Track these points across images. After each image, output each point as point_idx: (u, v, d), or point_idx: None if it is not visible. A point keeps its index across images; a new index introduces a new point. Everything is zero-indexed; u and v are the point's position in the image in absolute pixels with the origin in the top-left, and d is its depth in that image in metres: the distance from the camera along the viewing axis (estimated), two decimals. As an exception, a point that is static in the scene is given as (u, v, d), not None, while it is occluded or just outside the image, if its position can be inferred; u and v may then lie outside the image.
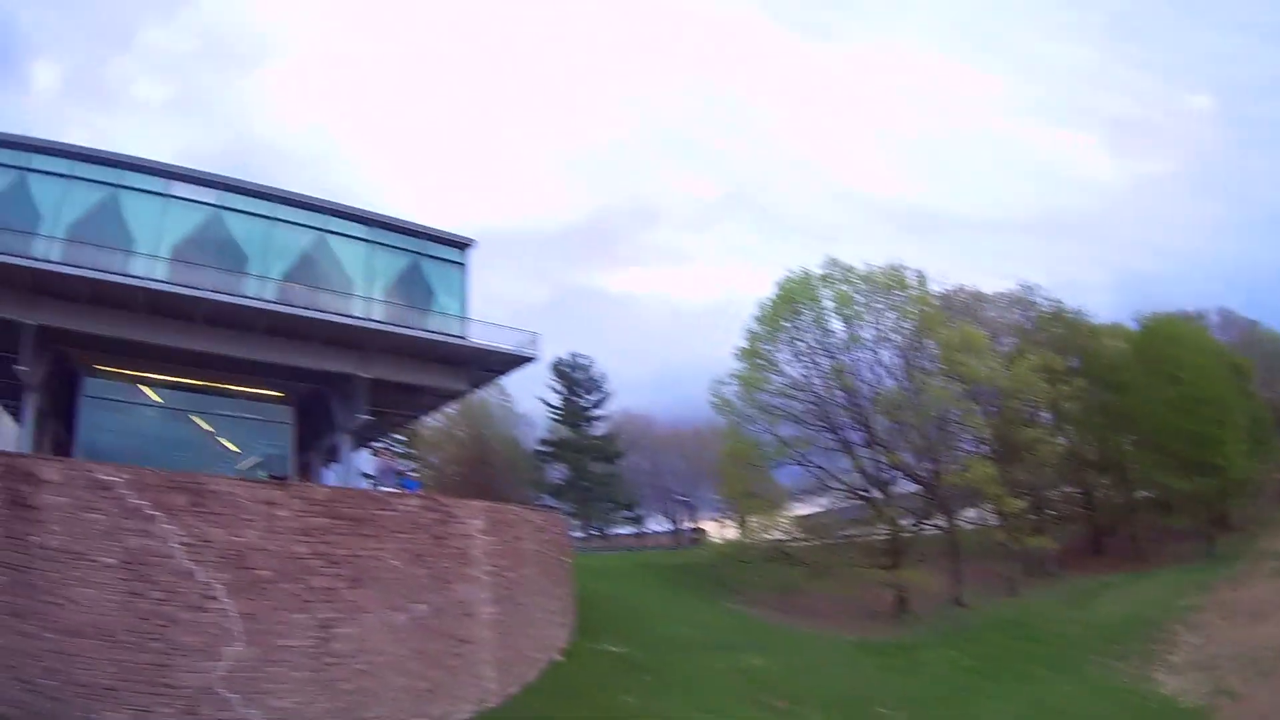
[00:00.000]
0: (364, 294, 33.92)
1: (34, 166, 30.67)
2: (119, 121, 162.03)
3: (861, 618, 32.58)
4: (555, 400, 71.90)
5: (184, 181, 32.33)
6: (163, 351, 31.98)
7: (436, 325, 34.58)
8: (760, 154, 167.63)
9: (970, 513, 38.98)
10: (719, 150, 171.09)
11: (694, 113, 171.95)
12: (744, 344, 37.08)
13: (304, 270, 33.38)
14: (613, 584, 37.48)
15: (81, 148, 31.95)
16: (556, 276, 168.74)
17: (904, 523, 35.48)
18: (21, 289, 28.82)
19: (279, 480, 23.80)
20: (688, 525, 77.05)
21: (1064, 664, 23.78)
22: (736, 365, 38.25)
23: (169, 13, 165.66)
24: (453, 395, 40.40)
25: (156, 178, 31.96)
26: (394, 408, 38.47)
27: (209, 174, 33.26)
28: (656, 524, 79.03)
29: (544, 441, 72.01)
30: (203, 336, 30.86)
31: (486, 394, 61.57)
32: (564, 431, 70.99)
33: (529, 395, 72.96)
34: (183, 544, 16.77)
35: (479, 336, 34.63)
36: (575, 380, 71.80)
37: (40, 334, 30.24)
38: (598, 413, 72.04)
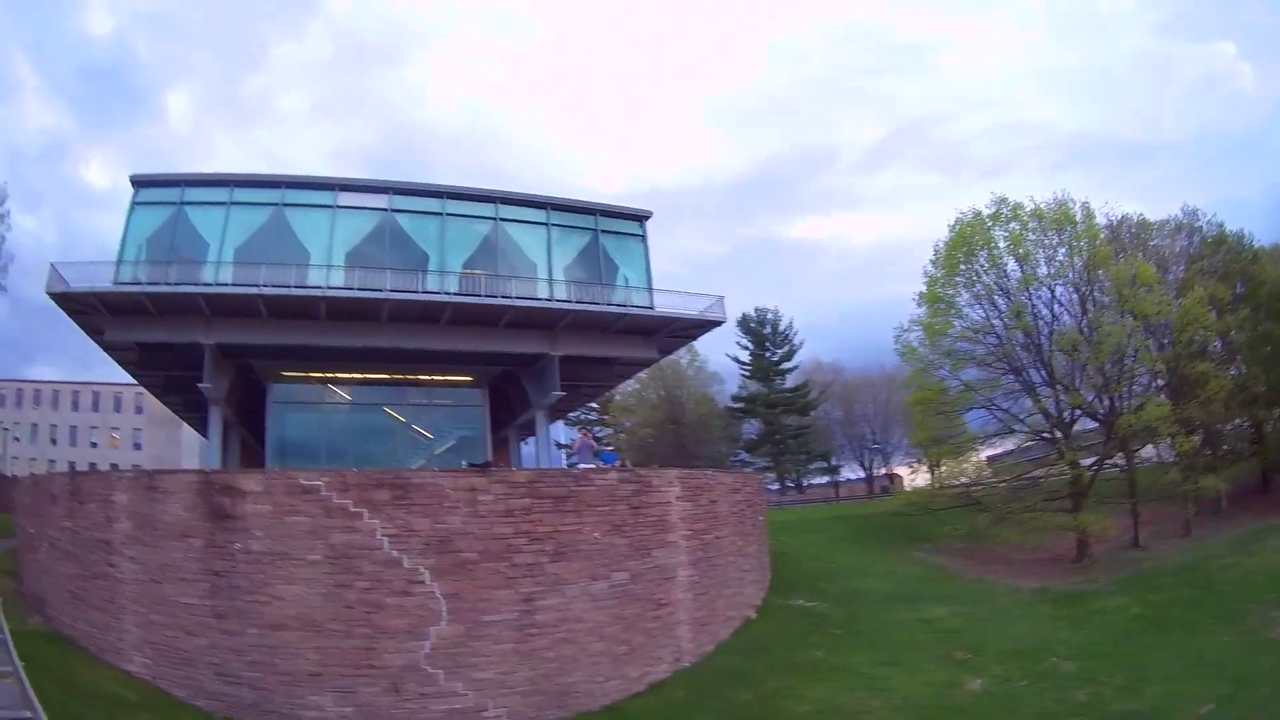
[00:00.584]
0: (546, 275, 33.56)
1: (190, 199, 31.94)
2: (266, 134, 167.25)
3: (1044, 565, 31.36)
4: (744, 356, 71.16)
5: (351, 191, 33.22)
6: (349, 352, 33.17)
7: (621, 298, 34.11)
8: (923, 91, 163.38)
9: (1147, 451, 38.11)
10: (884, 91, 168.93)
11: (857, 55, 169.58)
12: (923, 289, 36.01)
13: (483, 258, 33.27)
14: (806, 538, 37.60)
15: (237, 174, 33.40)
16: (735, 231, 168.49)
17: (1084, 464, 34.74)
18: (195, 313, 30.39)
19: (480, 468, 23.55)
20: (882, 472, 75.27)
21: (1226, 613, 22.28)
22: (917, 310, 37.24)
23: (297, 26, 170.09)
24: (643, 363, 40.41)
25: (322, 191, 33.02)
26: (586, 380, 38.23)
27: (375, 180, 34.02)
28: (851, 472, 77.47)
29: (736, 398, 71.32)
30: (388, 334, 31.99)
31: (676, 355, 60.75)
32: (755, 387, 70.25)
33: (719, 354, 72.64)
34: (388, 535, 17.67)
35: (664, 305, 34.07)
36: (763, 335, 70.78)
37: (221, 351, 31.97)
38: (787, 365, 70.94)
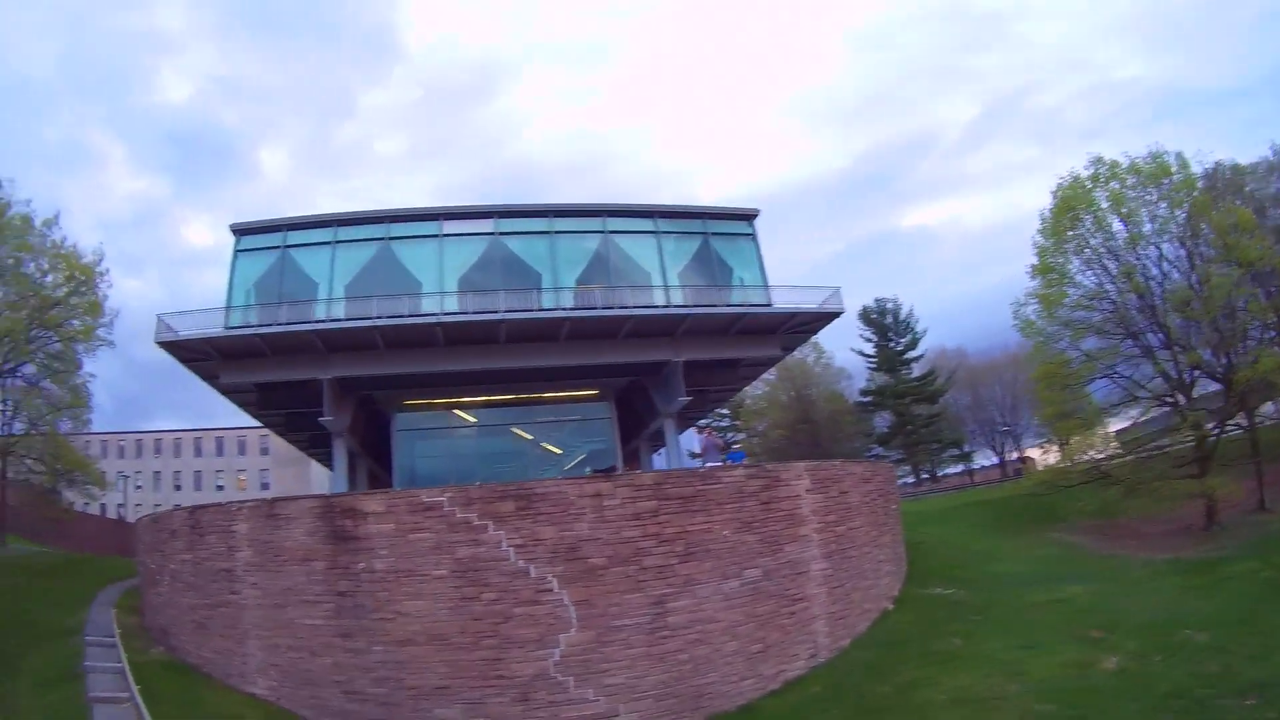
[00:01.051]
0: (661, 282, 33.01)
1: (294, 242, 32.75)
2: (366, 180, 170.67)
3: (1174, 535, 30.13)
4: (869, 349, 70.18)
5: (456, 219, 33.39)
6: (470, 376, 33.06)
7: (738, 298, 33.41)
8: (1009, 62, 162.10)
9: (1267, 408, 37.20)
10: (970, 67, 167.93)
11: (938, 34, 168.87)
12: (1034, 260, 35.50)
13: (596, 272, 33.04)
14: (941, 526, 36.91)
15: (340, 214, 33.60)
16: (846, 227, 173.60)
17: (1207, 426, 33.92)
18: (310, 350, 30.88)
19: (604, 473, 23.86)
20: (1014, 455, 72.93)
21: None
22: (1031, 283, 35.84)
23: (381, 73, 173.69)
24: (767, 362, 39.43)
25: (427, 222, 33.22)
26: (712, 384, 37.79)
27: (480, 206, 34.51)
28: (984, 458, 76.05)
29: (864, 392, 70.66)
30: (508, 354, 31.97)
31: (802, 354, 60.77)
32: (882, 379, 69.28)
33: (843, 349, 72.69)
34: (514, 545, 17.90)
35: (781, 301, 33.30)
36: (885, 325, 69.70)
37: (340, 385, 32.26)
38: (912, 354, 69.51)
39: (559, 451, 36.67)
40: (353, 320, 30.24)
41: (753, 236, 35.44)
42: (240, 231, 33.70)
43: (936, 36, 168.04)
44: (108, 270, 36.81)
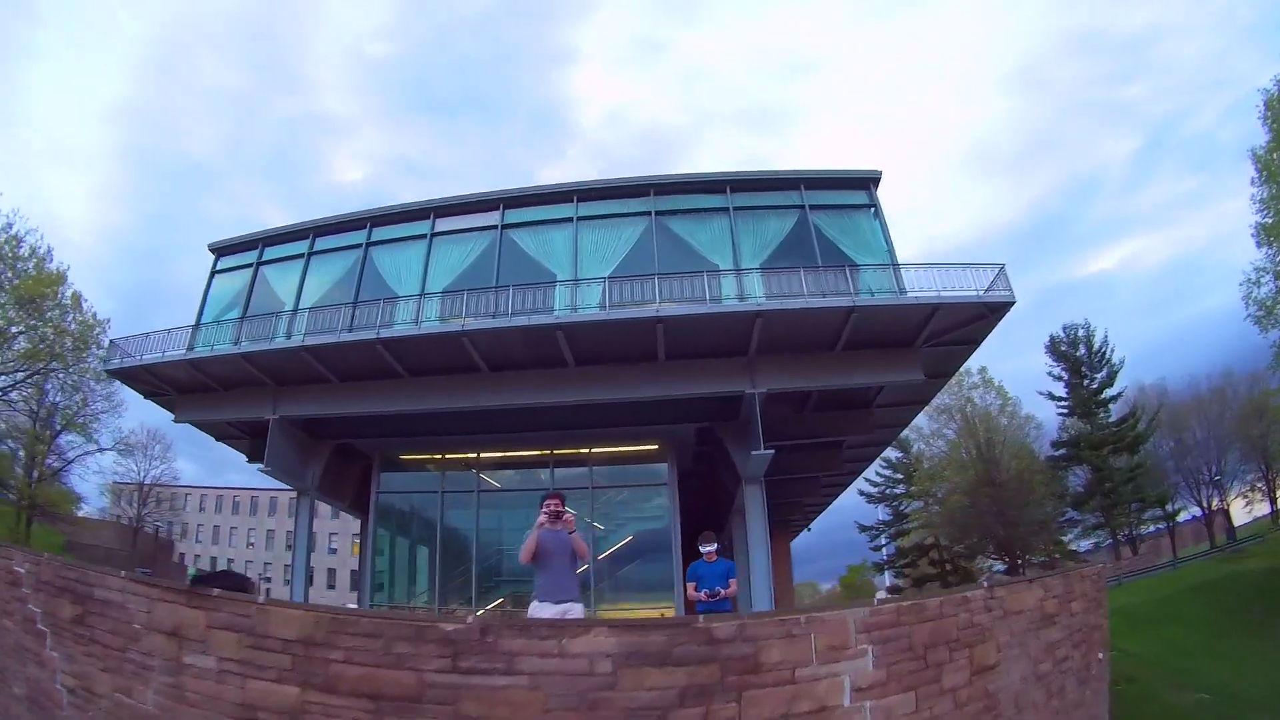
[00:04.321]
0: (737, 276, 21.90)
1: (268, 258, 27.38)
2: None
3: None
4: (1059, 389, 55.49)
5: (450, 214, 25.51)
6: (464, 422, 24.70)
7: (848, 288, 20.97)
8: (1160, 86, 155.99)
9: None
10: (1123, 99, 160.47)
11: (1086, 68, 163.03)
12: (1258, 218, 27.82)
13: (637, 263, 22.71)
14: (1155, 633, 27.49)
15: (316, 221, 27.17)
16: (1021, 281, 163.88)
17: None
18: (256, 382, 25.32)
19: None
20: (1217, 506, 56.81)
21: None
22: (1259, 256, 28.28)
23: (556, 151, 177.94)
24: (911, 401, 27.15)
25: (414, 221, 25.86)
26: (830, 433, 25.75)
27: (479, 195, 25.37)
28: (1188, 514, 59.39)
29: (1056, 444, 55.31)
30: (527, 385, 22.66)
31: (985, 402, 52.07)
32: (1077, 425, 54.53)
33: (1030, 391, 63.18)
34: None
35: (916, 290, 20.80)
36: (1077, 358, 54.89)
37: (300, 427, 26.20)
38: (1110, 392, 54.29)
39: (600, 527, 25.33)
40: (293, 343, 23.28)
41: (873, 208, 23.05)
42: (218, 250, 27.82)
43: (1082, 70, 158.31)
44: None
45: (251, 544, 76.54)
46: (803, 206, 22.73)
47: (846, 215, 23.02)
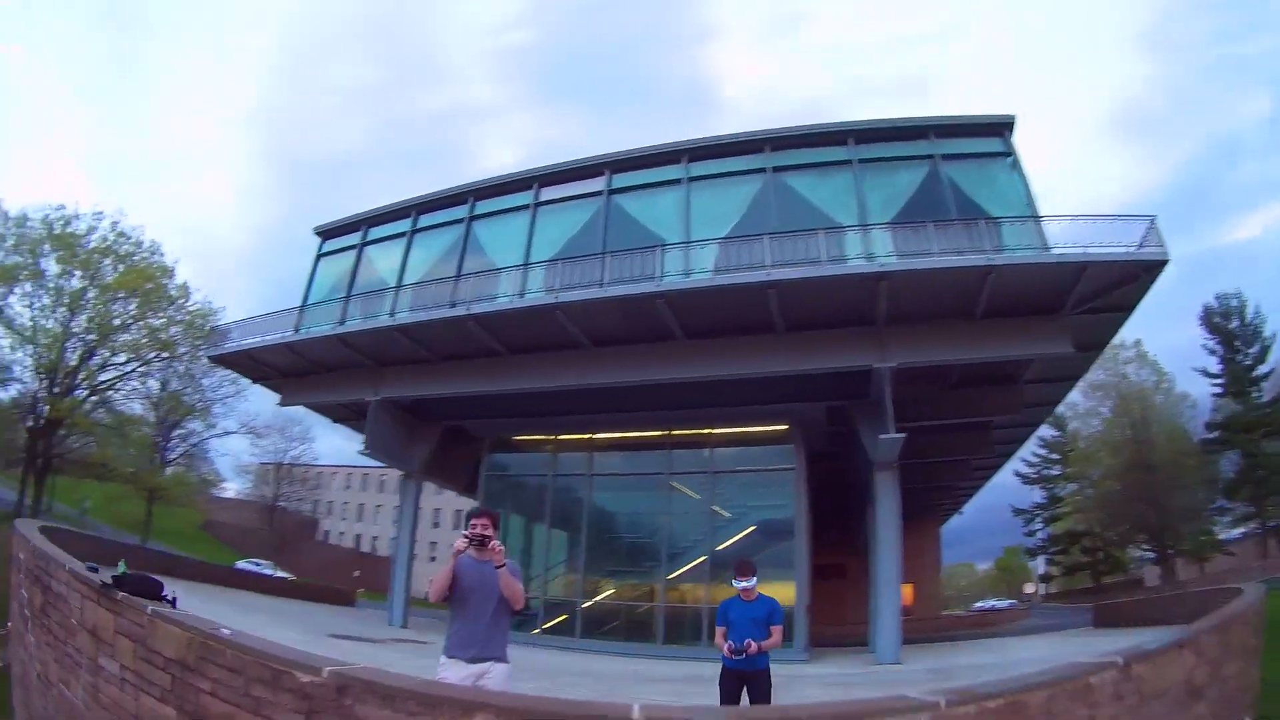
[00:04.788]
0: (862, 233, 19.39)
1: (372, 238, 26.93)
2: None
3: None
4: (1214, 365, 49.83)
5: (555, 183, 23.81)
6: (586, 402, 23.22)
7: (984, 245, 18.23)
8: None
9: None
10: (1255, 53, 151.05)
11: (1218, 21, 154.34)
12: None
13: (753, 224, 20.27)
14: None
15: (419, 198, 26.19)
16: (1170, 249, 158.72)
17: None
18: (354, 364, 25.09)
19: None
20: None
21: None
22: None
23: (707, 132, 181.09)
24: (1063, 376, 24.17)
25: (517, 193, 24.33)
26: (971, 412, 22.91)
27: (584, 161, 23.53)
28: None
29: (1210, 425, 49.82)
30: (632, 361, 21.04)
31: (1141, 377, 48.90)
32: (1229, 407, 48.91)
33: (1184, 366, 58.67)
34: None
35: (1059, 246, 17.95)
36: (1231, 332, 49.21)
37: (409, 410, 25.89)
38: (1262, 369, 48.47)
39: (728, 515, 23.37)
40: (380, 322, 22.72)
41: (1008, 156, 20.08)
42: (324, 234, 27.49)
43: (1214, 24, 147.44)
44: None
45: (436, 524, 77.75)
46: (932, 157, 20.13)
47: (981, 165, 20.34)
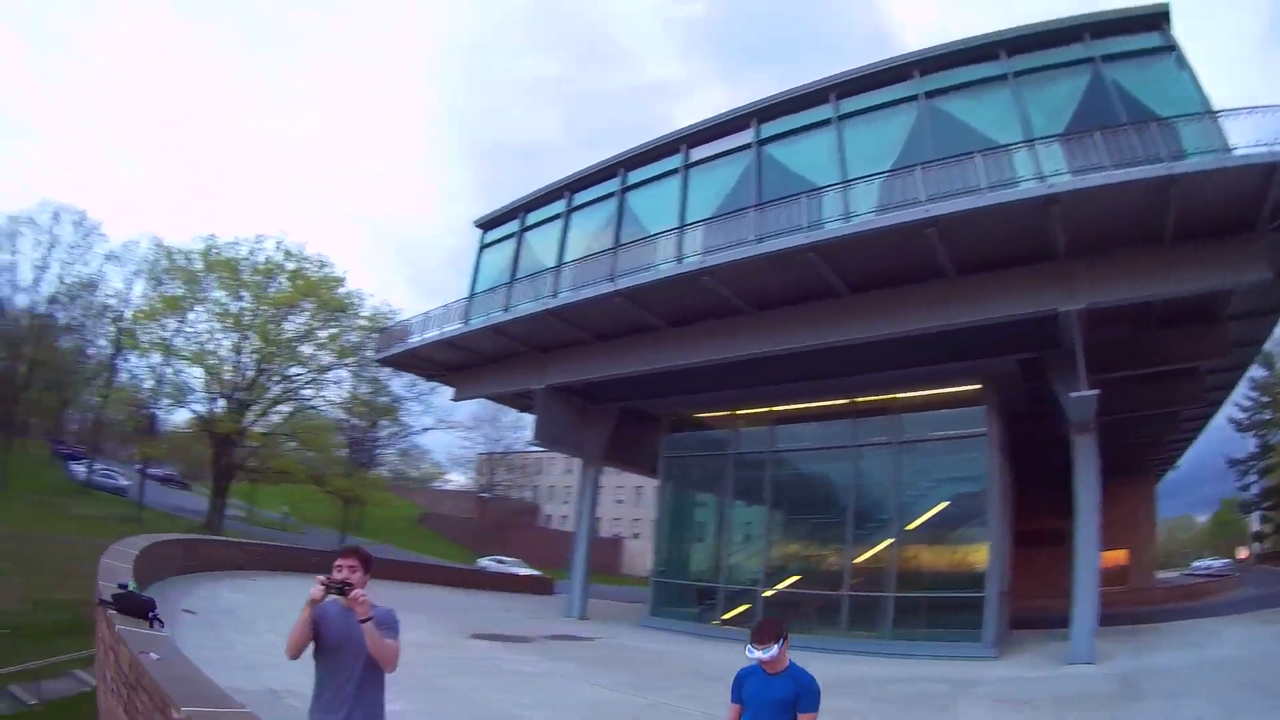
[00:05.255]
0: (1028, 155, 17.46)
1: (531, 223, 27.26)
2: None
3: None
4: None
5: (702, 141, 23.01)
6: (764, 372, 22.46)
7: (1162, 154, 15.92)
8: None
9: None
10: None
11: None
12: None
13: (912, 157, 18.82)
14: None
15: (571, 176, 26.13)
16: None
17: None
18: (515, 353, 25.73)
19: None
20: None
21: None
22: None
23: None
24: (1265, 309, 20.68)
25: (666, 158, 23.72)
26: (1175, 357, 20.51)
27: (732, 112, 22.60)
28: None
29: None
30: (797, 324, 20.23)
31: None
32: None
33: None
34: None
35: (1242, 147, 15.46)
36: None
37: (584, 394, 26.54)
38: None
39: (918, 488, 22.15)
40: (564, 298, 22.58)
41: (1173, 51, 17.92)
42: (484, 225, 28.53)
43: None
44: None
45: (620, 500, 79.48)
46: (1092, 60, 18.46)
47: (1143, 63, 18.44)
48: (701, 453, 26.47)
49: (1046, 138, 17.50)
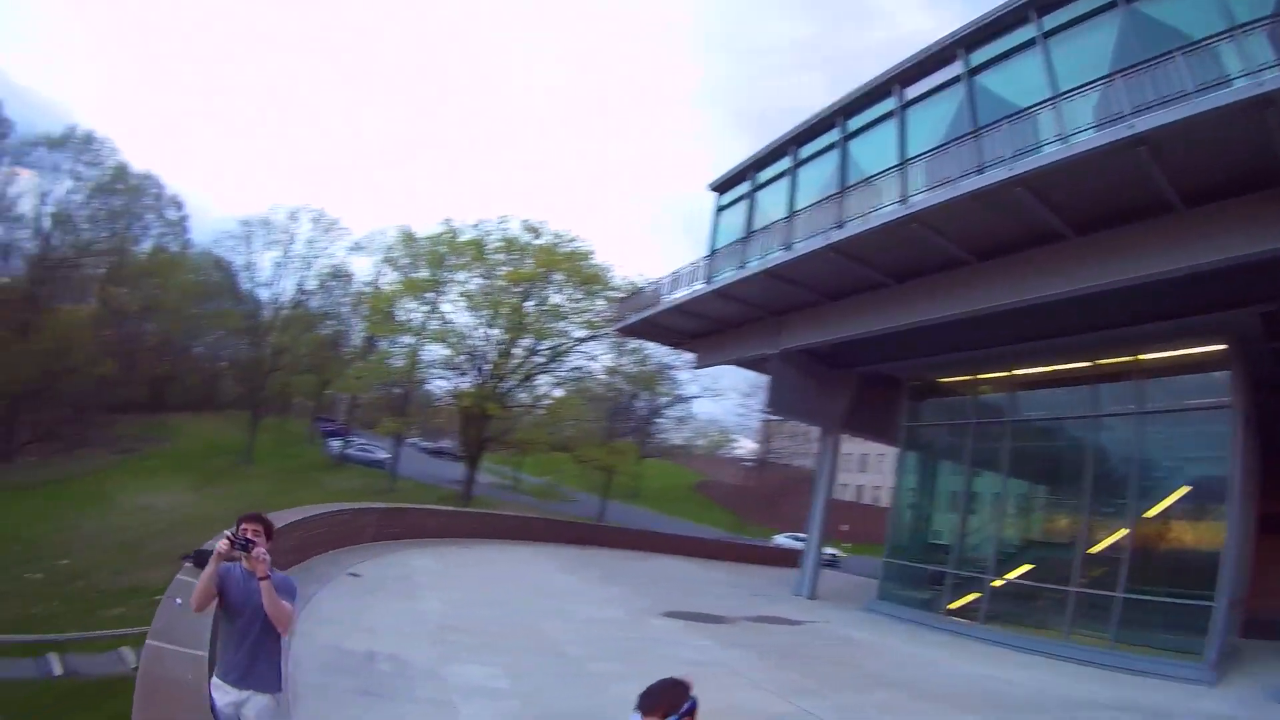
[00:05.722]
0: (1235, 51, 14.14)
1: (761, 181, 27.22)
2: None
3: None
4: None
5: (913, 81, 21.65)
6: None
7: None
8: None
9: None
10: None
11: None
12: None
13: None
14: None
15: (794, 130, 25.61)
16: None
17: None
18: (751, 317, 26.12)
19: None
20: None
21: None
22: None
23: None
24: None
25: (879, 101, 22.61)
26: None
27: (939, 44, 20.84)
28: None
29: None
30: (1021, 273, 18.59)
31: None
32: None
33: None
34: None
35: None
36: None
37: (823, 358, 26.38)
38: None
39: (1160, 469, 19.55)
40: (781, 257, 22.18)
41: None
42: (717, 187, 28.84)
43: None
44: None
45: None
46: None
47: None
48: (938, 422, 25.11)
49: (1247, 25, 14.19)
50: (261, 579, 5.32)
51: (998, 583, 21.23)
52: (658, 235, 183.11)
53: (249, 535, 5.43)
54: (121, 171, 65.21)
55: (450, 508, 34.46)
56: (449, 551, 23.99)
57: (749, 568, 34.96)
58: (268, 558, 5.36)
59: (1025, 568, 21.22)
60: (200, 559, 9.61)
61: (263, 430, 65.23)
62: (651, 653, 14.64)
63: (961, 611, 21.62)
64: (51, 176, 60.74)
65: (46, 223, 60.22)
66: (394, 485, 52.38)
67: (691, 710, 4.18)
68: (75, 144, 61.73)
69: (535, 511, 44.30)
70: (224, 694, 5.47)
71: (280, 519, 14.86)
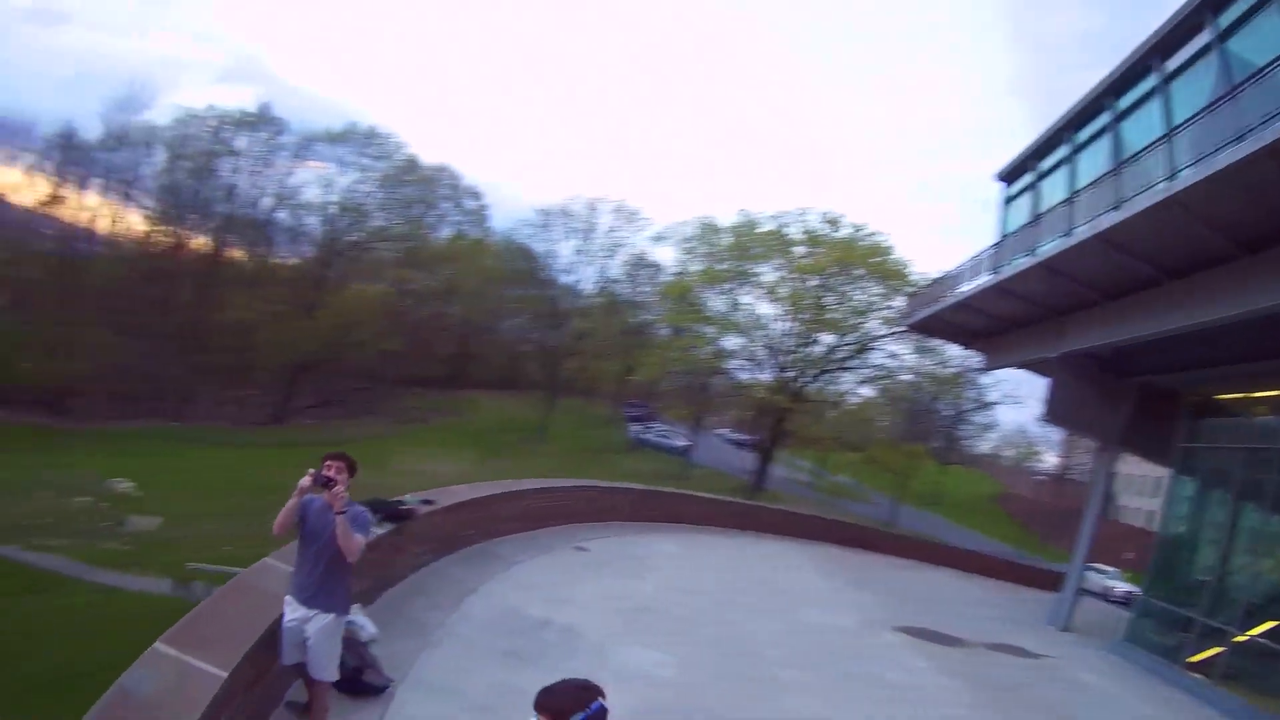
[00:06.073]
0: None
1: (1043, 170, 26.17)
2: None
3: None
4: None
5: (1170, 52, 20.03)
6: None
7: None
8: None
9: None
10: None
11: None
12: None
13: None
14: None
15: (1066, 115, 24.58)
16: None
17: None
18: (1035, 319, 24.90)
19: None
20: None
21: None
22: None
23: None
24: None
25: (1142, 78, 21.28)
26: None
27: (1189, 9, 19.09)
28: None
29: None
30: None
31: None
32: None
33: None
34: None
35: None
36: None
37: (1102, 364, 24.07)
38: None
39: None
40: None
41: None
42: (1004, 176, 28.19)
43: None
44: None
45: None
46: None
47: None
48: (1212, 444, 21.93)
49: None
50: (337, 513, 6.32)
51: (1240, 638, 18.09)
52: (956, 233, 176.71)
53: (331, 473, 6.36)
54: (412, 164, 72.38)
55: (713, 495, 33.60)
56: (700, 539, 24.45)
57: (1022, 589, 33.36)
58: (345, 494, 6.35)
59: (1272, 623, 17.85)
60: (382, 510, 11.29)
61: (564, 412, 69.80)
62: (854, 668, 14.17)
63: (1200, 666, 18.84)
64: (336, 169, 68.88)
65: (333, 210, 68.25)
66: (688, 472, 54.17)
67: (598, 718, 3.52)
68: (358, 139, 69.51)
69: (816, 508, 44.04)
70: (293, 609, 6.59)
71: (501, 487, 16.96)
